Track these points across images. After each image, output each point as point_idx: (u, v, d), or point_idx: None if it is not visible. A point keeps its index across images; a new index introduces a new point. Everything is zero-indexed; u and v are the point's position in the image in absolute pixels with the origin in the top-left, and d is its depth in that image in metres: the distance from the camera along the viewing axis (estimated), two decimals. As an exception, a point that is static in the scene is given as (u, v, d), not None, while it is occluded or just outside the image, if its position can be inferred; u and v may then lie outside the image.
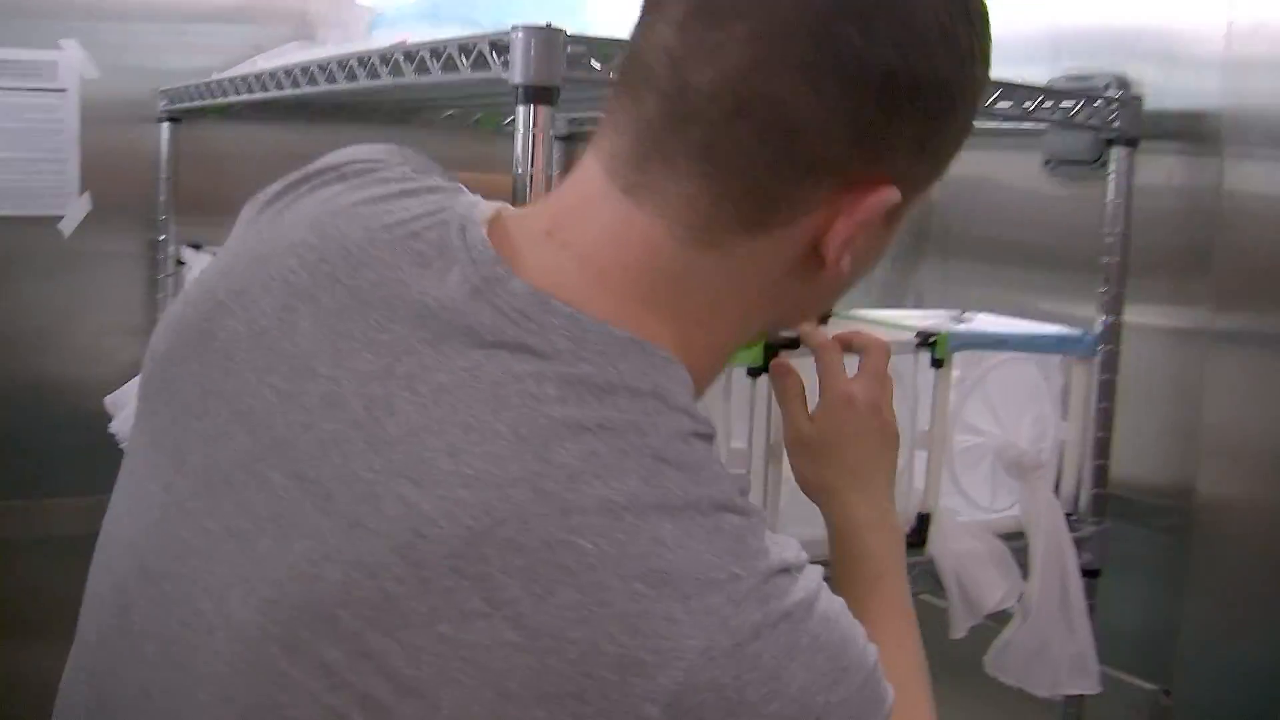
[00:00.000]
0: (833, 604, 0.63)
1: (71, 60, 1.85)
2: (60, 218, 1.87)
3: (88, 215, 1.89)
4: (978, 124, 0.71)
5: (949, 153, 0.70)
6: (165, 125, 1.89)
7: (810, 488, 0.94)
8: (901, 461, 1.12)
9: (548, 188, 0.92)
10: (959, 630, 1.12)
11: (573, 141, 2.17)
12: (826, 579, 0.65)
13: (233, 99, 1.60)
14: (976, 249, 1.52)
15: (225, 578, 0.62)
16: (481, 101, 1.84)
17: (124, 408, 1.71)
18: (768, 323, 0.74)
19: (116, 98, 1.89)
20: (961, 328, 1.29)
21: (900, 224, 0.72)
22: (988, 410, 1.20)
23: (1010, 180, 1.46)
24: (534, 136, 0.92)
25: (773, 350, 1.03)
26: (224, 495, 0.63)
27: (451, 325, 0.63)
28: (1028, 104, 1.13)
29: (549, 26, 0.91)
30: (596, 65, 0.91)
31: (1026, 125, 1.22)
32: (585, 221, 0.67)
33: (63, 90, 1.85)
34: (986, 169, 1.49)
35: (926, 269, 1.57)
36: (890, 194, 0.65)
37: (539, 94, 0.91)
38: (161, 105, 1.88)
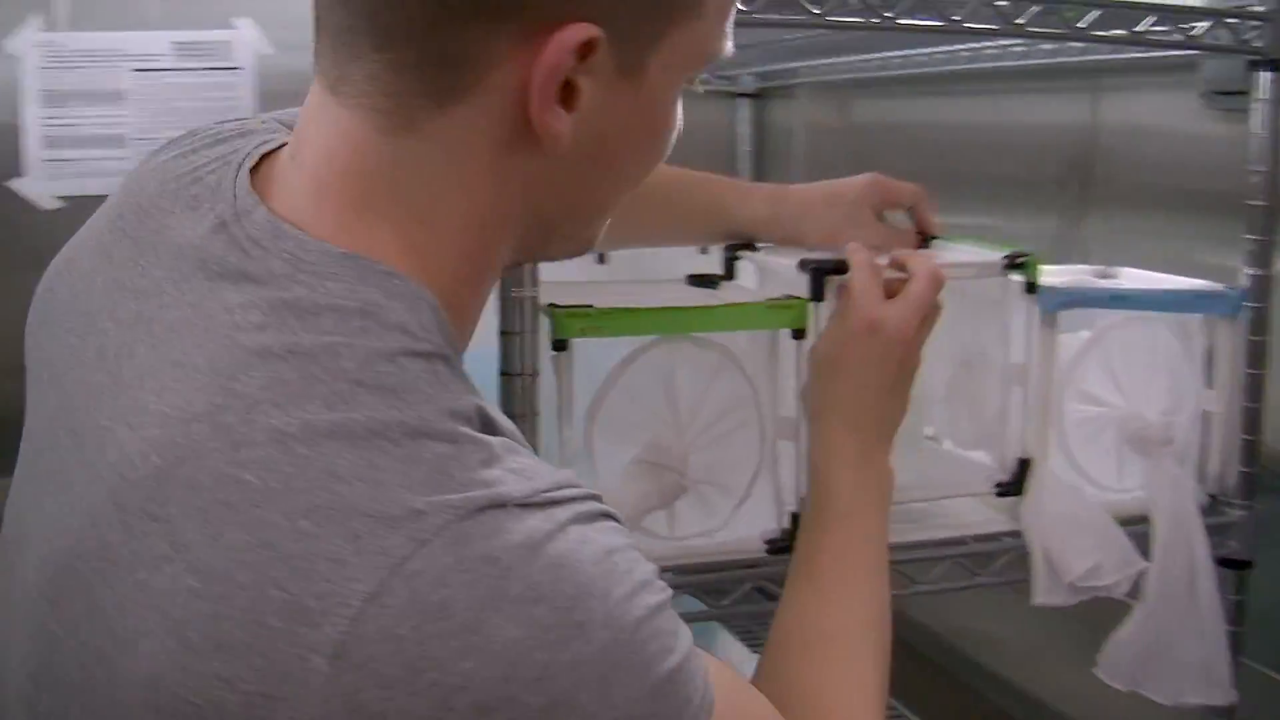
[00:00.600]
0: (587, 548, 0.54)
1: (246, 38, 1.90)
2: (242, 192, 1.94)
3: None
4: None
5: None
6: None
7: (809, 411, 0.91)
8: (998, 401, 1.04)
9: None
10: (1038, 596, 1.02)
11: (764, 99, 2.10)
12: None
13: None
14: (1141, 199, 1.36)
15: (29, 539, 0.60)
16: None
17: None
18: (530, 220, 0.65)
19: (293, 73, 1.93)
20: (1103, 283, 1.16)
21: (647, 78, 0.62)
22: (1108, 377, 1.07)
23: (1172, 122, 1.30)
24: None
25: (819, 274, 0.97)
26: (36, 459, 0.63)
27: (192, 262, 0.60)
28: (1141, 26, 0.99)
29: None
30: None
31: (1157, 54, 1.07)
32: (310, 135, 0.62)
33: (239, 69, 1.90)
34: (1145, 110, 1.33)
35: (1092, 223, 1.42)
36: (577, 30, 0.57)
37: None
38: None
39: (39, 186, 1.86)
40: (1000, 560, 1.04)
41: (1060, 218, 1.47)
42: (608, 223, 0.71)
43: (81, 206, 2.08)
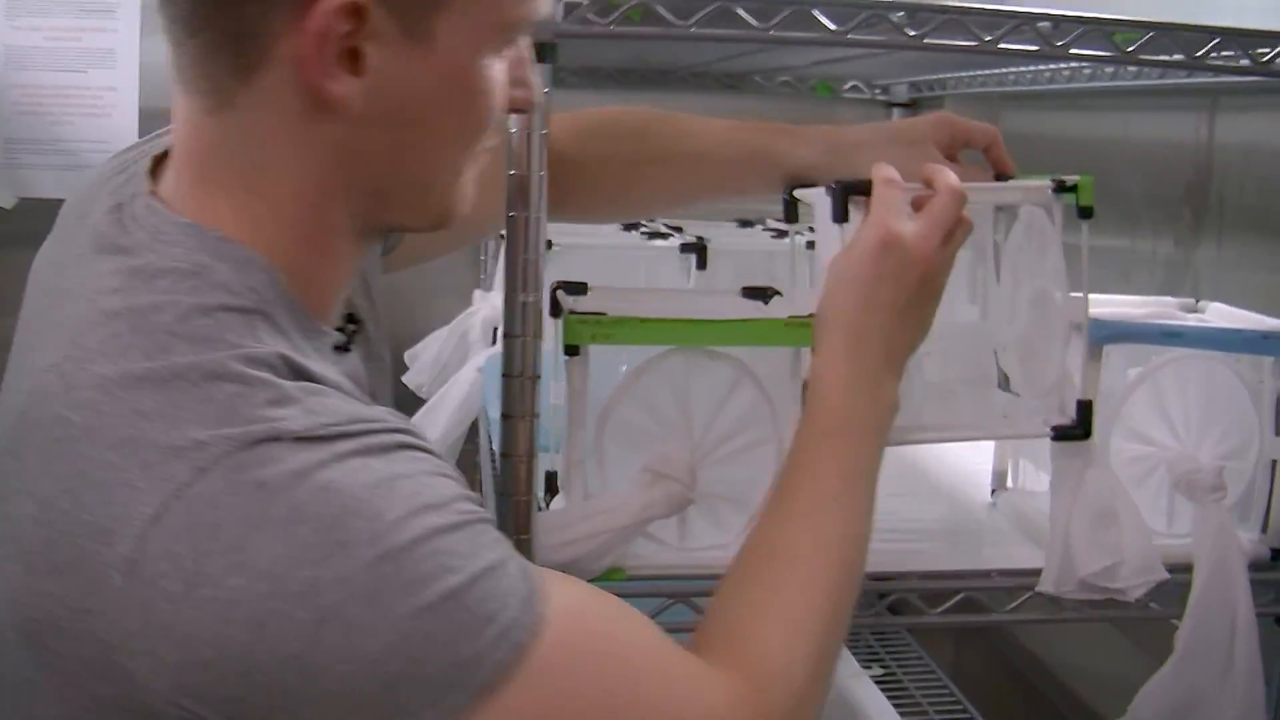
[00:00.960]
0: (364, 474, 0.59)
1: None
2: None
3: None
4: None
5: None
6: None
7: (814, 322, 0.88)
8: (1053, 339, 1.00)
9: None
10: (1045, 584, 0.97)
11: (917, 109, 2.06)
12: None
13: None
14: (1258, 226, 1.28)
15: None
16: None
17: (418, 359, 1.84)
18: (359, 187, 0.70)
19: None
20: (1183, 318, 1.11)
21: (438, 43, 0.66)
22: (1159, 415, 1.02)
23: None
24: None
25: (843, 193, 0.93)
26: None
27: (91, 240, 0.69)
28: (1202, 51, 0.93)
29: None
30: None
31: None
32: (173, 124, 0.71)
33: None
34: (1265, 130, 1.25)
35: (1205, 251, 1.35)
36: (339, 6, 0.62)
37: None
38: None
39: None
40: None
41: (1174, 246, 1.40)
42: (465, 195, 0.75)
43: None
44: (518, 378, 0.91)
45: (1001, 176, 1.05)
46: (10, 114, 1.88)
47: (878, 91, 2.04)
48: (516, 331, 0.90)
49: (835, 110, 2.05)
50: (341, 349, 0.77)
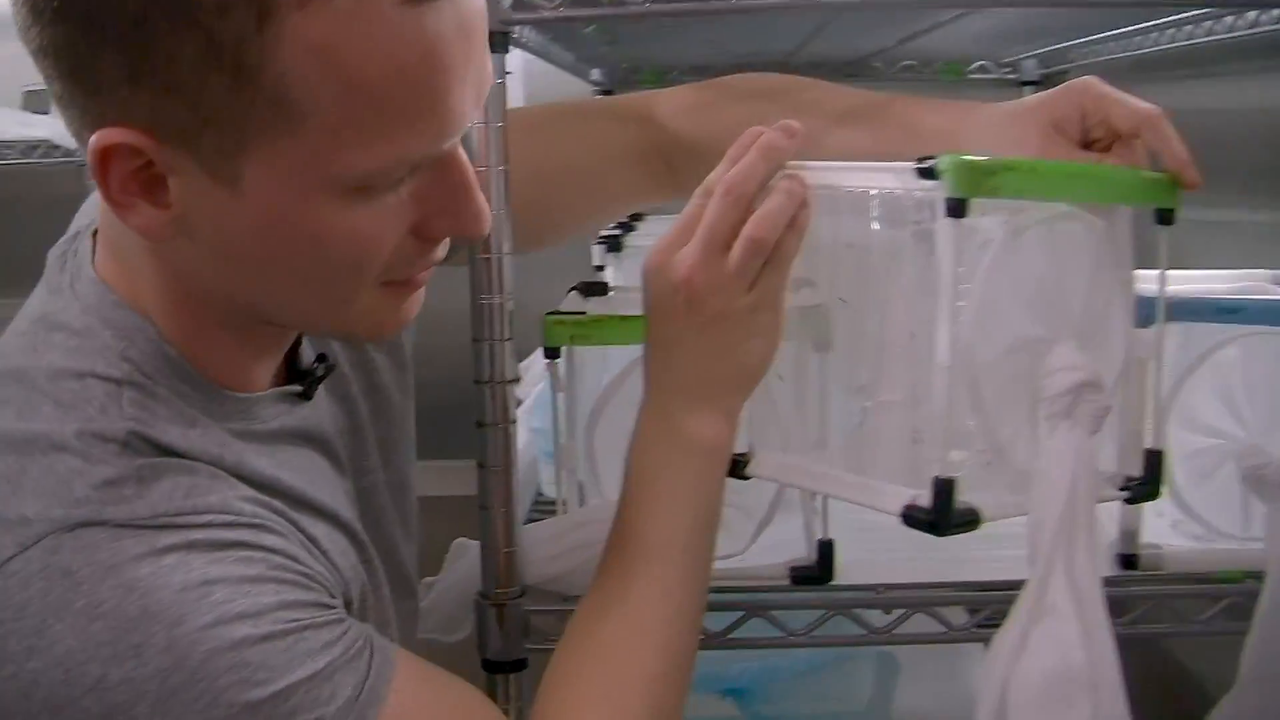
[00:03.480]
0: (179, 575, 0.58)
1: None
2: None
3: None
4: None
5: (197, 80, 0.57)
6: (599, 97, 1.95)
7: None
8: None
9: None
10: None
11: (1048, 86, 1.93)
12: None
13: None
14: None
15: None
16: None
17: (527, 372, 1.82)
18: (221, 297, 0.67)
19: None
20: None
21: (245, 185, 0.60)
22: (1223, 402, 0.90)
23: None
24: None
25: None
26: None
27: (49, 264, 0.71)
28: None
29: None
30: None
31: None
32: None
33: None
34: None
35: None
36: (103, 135, 0.58)
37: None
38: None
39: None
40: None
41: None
42: (382, 319, 0.70)
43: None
44: (488, 383, 0.87)
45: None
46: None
47: (1007, 70, 1.92)
48: (483, 335, 0.86)
49: (963, 93, 1.94)
50: (304, 396, 0.76)
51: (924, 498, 0.68)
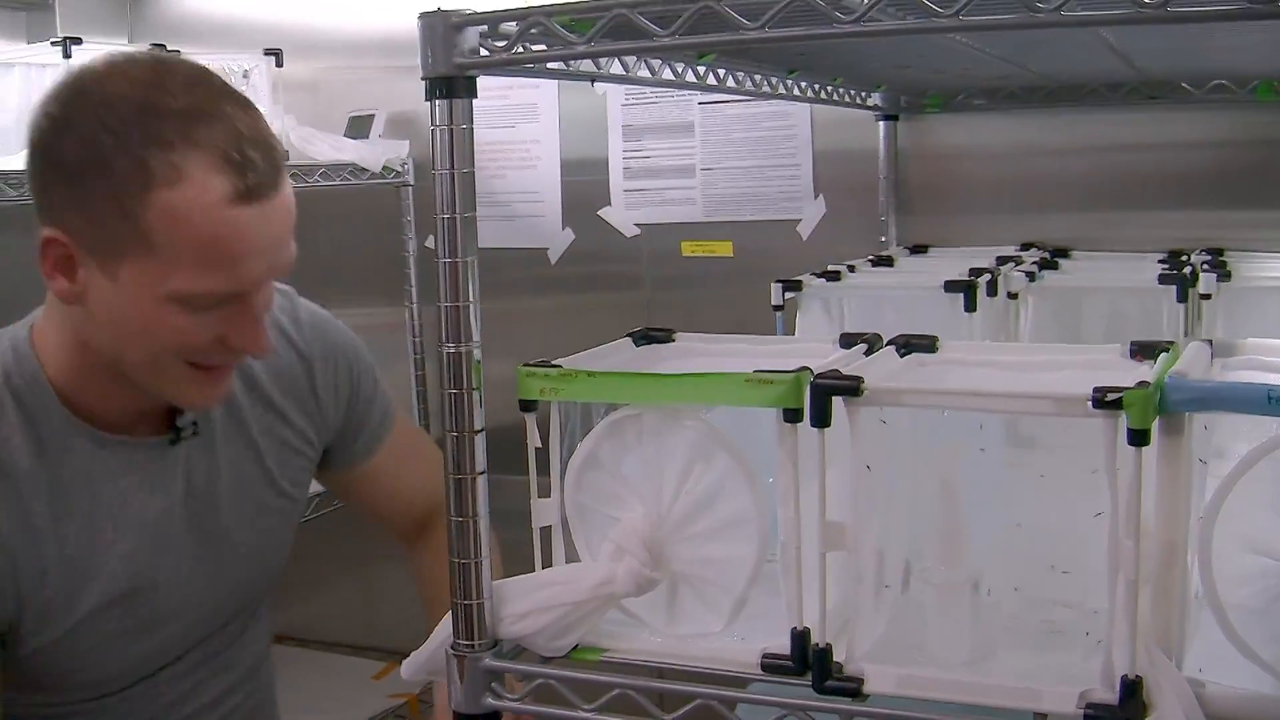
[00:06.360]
0: None
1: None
2: (799, 220, 1.96)
3: (821, 217, 1.95)
4: None
5: (113, 220, 0.94)
6: (881, 124, 1.85)
7: None
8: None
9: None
10: None
11: None
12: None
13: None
14: None
15: None
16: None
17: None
18: (103, 355, 1.02)
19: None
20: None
21: (119, 282, 0.96)
22: (1275, 514, 0.72)
23: None
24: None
25: (824, 392, 0.78)
26: None
27: None
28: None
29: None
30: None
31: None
32: None
33: (795, 97, 1.92)
34: None
35: None
36: (48, 231, 0.97)
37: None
38: (874, 102, 1.84)
39: (621, 215, 2.05)
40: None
41: None
42: (180, 397, 1.06)
43: (654, 233, 2.28)
44: (458, 434, 0.85)
45: None
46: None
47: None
48: (455, 385, 0.85)
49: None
50: (174, 441, 1.11)
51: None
